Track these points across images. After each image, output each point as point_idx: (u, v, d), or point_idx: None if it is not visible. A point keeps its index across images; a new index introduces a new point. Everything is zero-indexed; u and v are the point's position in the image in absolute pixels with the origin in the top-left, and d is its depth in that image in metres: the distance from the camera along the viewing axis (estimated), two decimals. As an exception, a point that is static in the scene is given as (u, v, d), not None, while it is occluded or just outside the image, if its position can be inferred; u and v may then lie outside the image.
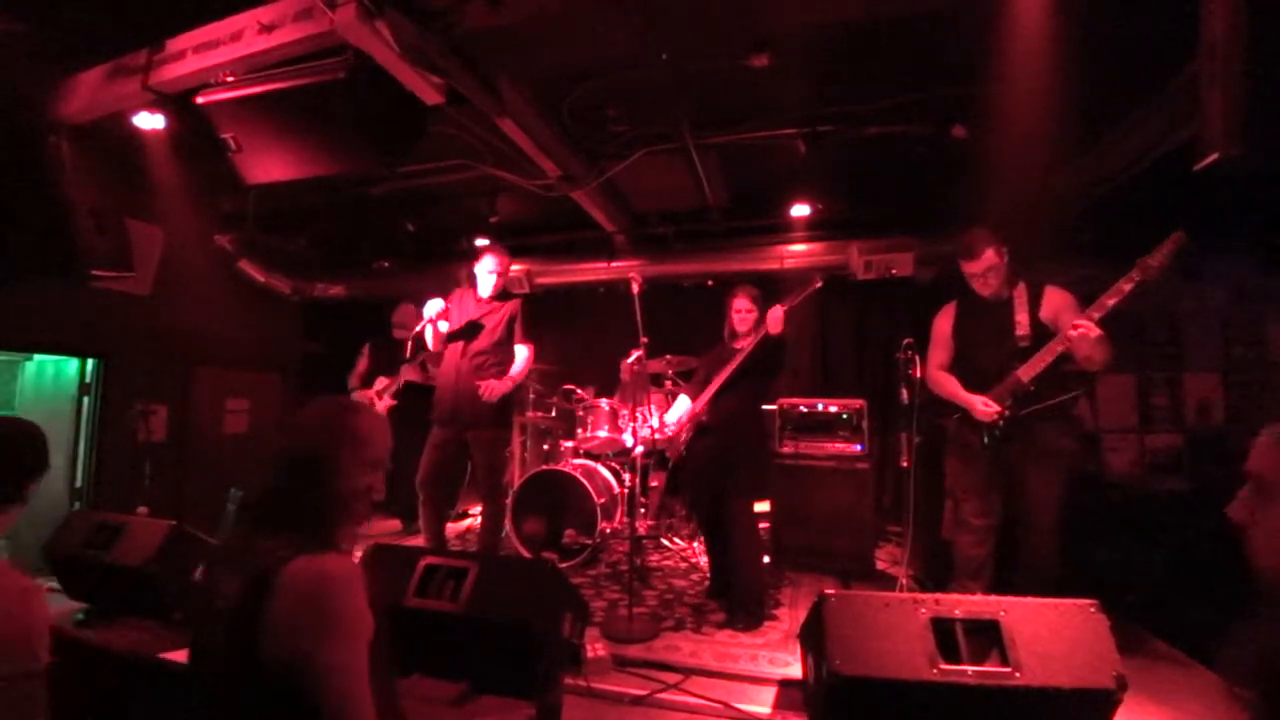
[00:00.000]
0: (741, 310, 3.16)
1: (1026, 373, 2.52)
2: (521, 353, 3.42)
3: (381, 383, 4.60)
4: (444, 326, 3.35)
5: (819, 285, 3.02)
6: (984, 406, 2.60)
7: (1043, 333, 2.56)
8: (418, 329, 3.33)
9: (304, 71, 2.47)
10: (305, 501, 1.18)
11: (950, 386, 2.75)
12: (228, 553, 1.19)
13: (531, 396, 4.83)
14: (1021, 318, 2.62)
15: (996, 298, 2.71)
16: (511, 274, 3.53)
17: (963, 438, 2.76)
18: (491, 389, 3.24)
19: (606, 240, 5.07)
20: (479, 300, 3.44)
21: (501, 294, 3.50)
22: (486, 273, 3.41)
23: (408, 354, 4.58)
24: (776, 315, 2.91)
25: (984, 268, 2.65)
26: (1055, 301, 2.60)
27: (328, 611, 1.04)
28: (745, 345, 3.09)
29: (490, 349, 3.34)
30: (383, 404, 4.74)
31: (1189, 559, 3.10)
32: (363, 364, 5.00)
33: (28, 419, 1.52)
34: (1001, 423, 2.58)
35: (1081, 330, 2.33)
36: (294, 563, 1.05)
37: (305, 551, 1.09)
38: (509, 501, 4.01)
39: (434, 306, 3.30)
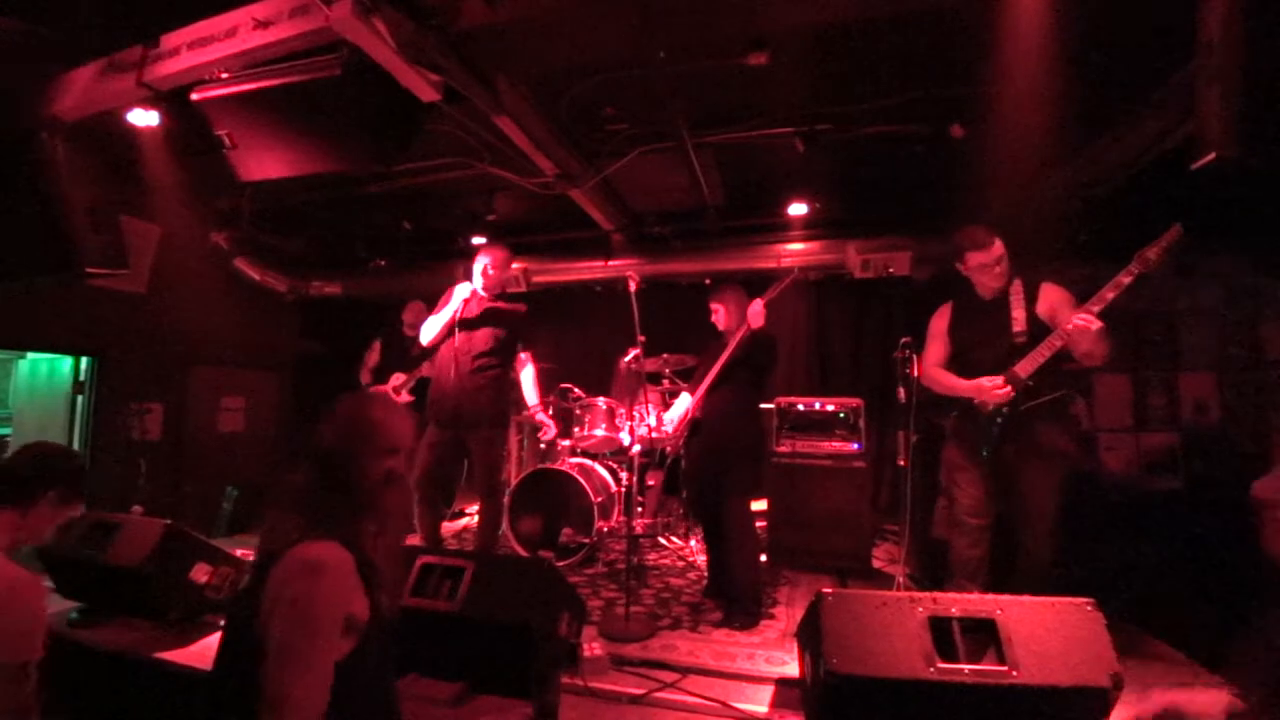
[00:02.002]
0: (717, 311, 3.25)
1: (1024, 368, 2.52)
2: (528, 372, 3.49)
3: (398, 378, 4.64)
4: (445, 316, 3.33)
5: (796, 276, 3.11)
6: (991, 385, 2.56)
7: (1040, 329, 2.55)
8: (451, 306, 3.31)
9: (300, 68, 2.44)
10: (321, 490, 1.23)
11: (949, 379, 2.74)
12: (263, 539, 1.26)
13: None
14: (1018, 314, 2.61)
15: (995, 294, 2.70)
16: (510, 273, 3.53)
17: (960, 436, 2.76)
18: (549, 432, 3.64)
19: (604, 239, 5.06)
20: (481, 299, 3.43)
21: (505, 295, 3.48)
22: (479, 271, 3.36)
23: (419, 351, 4.61)
24: (756, 310, 2.96)
25: (995, 257, 2.63)
26: (1052, 298, 2.60)
27: (295, 594, 1.09)
28: (731, 340, 3.11)
29: (491, 352, 3.31)
30: (399, 399, 4.73)
31: (1185, 557, 3.12)
32: (373, 359, 4.97)
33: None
34: (1000, 420, 2.58)
35: (1082, 323, 2.32)
36: (296, 546, 1.13)
37: (310, 537, 1.15)
38: (506, 500, 4.00)
39: (465, 289, 3.30)
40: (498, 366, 3.32)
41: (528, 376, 3.51)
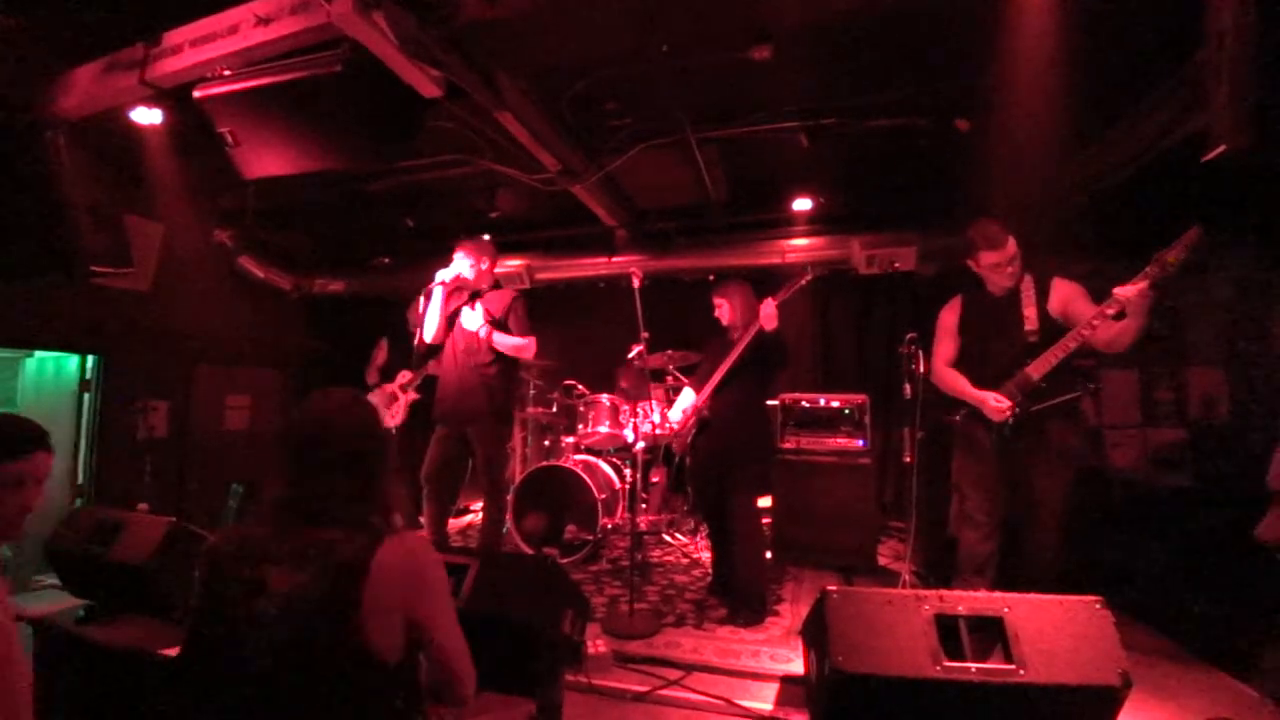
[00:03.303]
0: (721, 306, 3.22)
1: (1038, 369, 2.48)
2: (523, 341, 3.32)
3: (405, 376, 4.64)
4: (435, 312, 3.30)
5: (810, 278, 3.03)
6: (995, 403, 2.55)
7: (1051, 326, 2.52)
8: (435, 296, 3.29)
9: (301, 65, 2.44)
10: (363, 493, 1.24)
11: (958, 384, 2.71)
12: (268, 549, 1.16)
13: (532, 392, 4.82)
14: (1030, 312, 2.58)
15: (1006, 292, 2.67)
16: (493, 263, 3.42)
17: (970, 434, 2.73)
18: (485, 338, 3.21)
19: (607, 235, 5.05)
20: (472, 292, 3.42)
21: (494, 286, 3.46)
22: (464, 267, 3.33)
23: (426, 349, 4.64)
24: (769, 311, 2.90)
25: (1009, 256, 2.60)
26: (1064, 293, 2.56)
27: (425, 576, 1.21)
28: (740, 338, 3.08)
29: (486, 346, 3.29)
30: (406, 397, 4.74)
31: (1193, 555, 3.09)
32: (380, 357, 4.99)
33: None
34: (1011, 419, 2.56)
35: (1128, 291, 2.24)
36: (385, 546, 1.15)
37: (385, 536, 1.18)
38: (510, 497, 4.00)
39: (446, 273, 3.26)
40: (495, 361, 3.29)
41: (518, 340, 3.29)
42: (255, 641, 1.11)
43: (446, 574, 1.27)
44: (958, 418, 2.76)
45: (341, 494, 1.21)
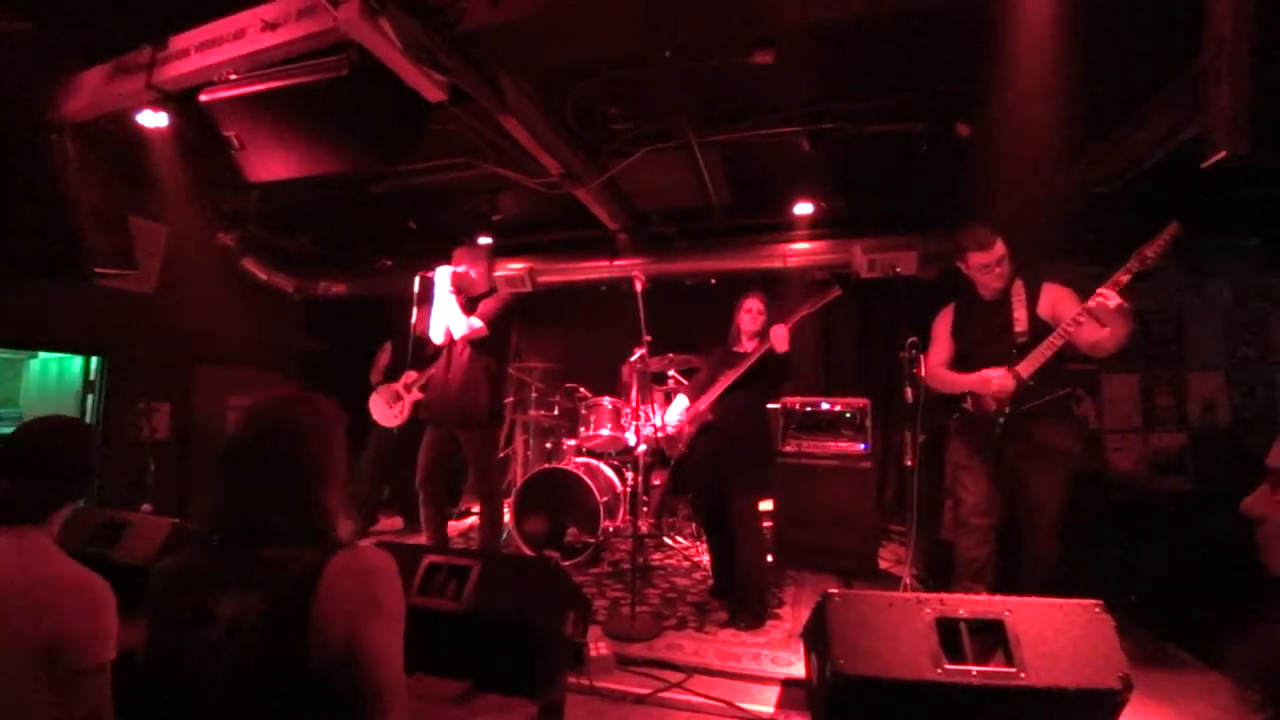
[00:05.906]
0: (753, 310, 3.20)
1: (1025, 368, 2.50)
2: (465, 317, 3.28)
3: (410, 376, 4.66)
4: (439, 314, 3.32)
5: (837, 294, 3.00)
6: (993, 374, 2.55)
7: (1042, 329, 2.54)
8: (440, 292, 3.31)
9: (306, 69, 2.45)
10: (309, 504, 1.13)
11: (952, 377, 2.74)
12: (213, 573, 1.08)
13: (534, 395, 4.83)
14: (1020, 315, 2.60)
15: (996, 295, 2.69)
16: (486, 271, 3.39)
17: (963, 436, 2.75)
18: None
19: (609, 238, 5.06)
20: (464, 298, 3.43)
21: (488, 292, 3.46)
22: (461, 272, 3.35)
23: (431, 350, 4.64)
24: (781, 334, 2.94)
25: (997, 257, 2.63)
26: (1053, 296, 2.59)
27: (376, 596, 1.07)
28: (749, 349, 3.11)
29: (475, 349, 3.28)
30: (410, 397, 4.75)
31: (1193, 559, 3.09)
32: (384, 359, 5.03)
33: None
34: (1002, 420, 2.57)
35: (1102, 298, 2.27)
36: (335, 560, 1.05)
37: (337, 550, 1.07)
38: (512, 500, 4.00)
39: (445, 271, 3.27)
40: (484, 361, 3.28)
41: (464, 318, 3.26)
42: (202, 674, 1.02)
43: (403, 602, 1.12)
44: (951, 421, 2.77)
45: (285, 507, 1.11)
